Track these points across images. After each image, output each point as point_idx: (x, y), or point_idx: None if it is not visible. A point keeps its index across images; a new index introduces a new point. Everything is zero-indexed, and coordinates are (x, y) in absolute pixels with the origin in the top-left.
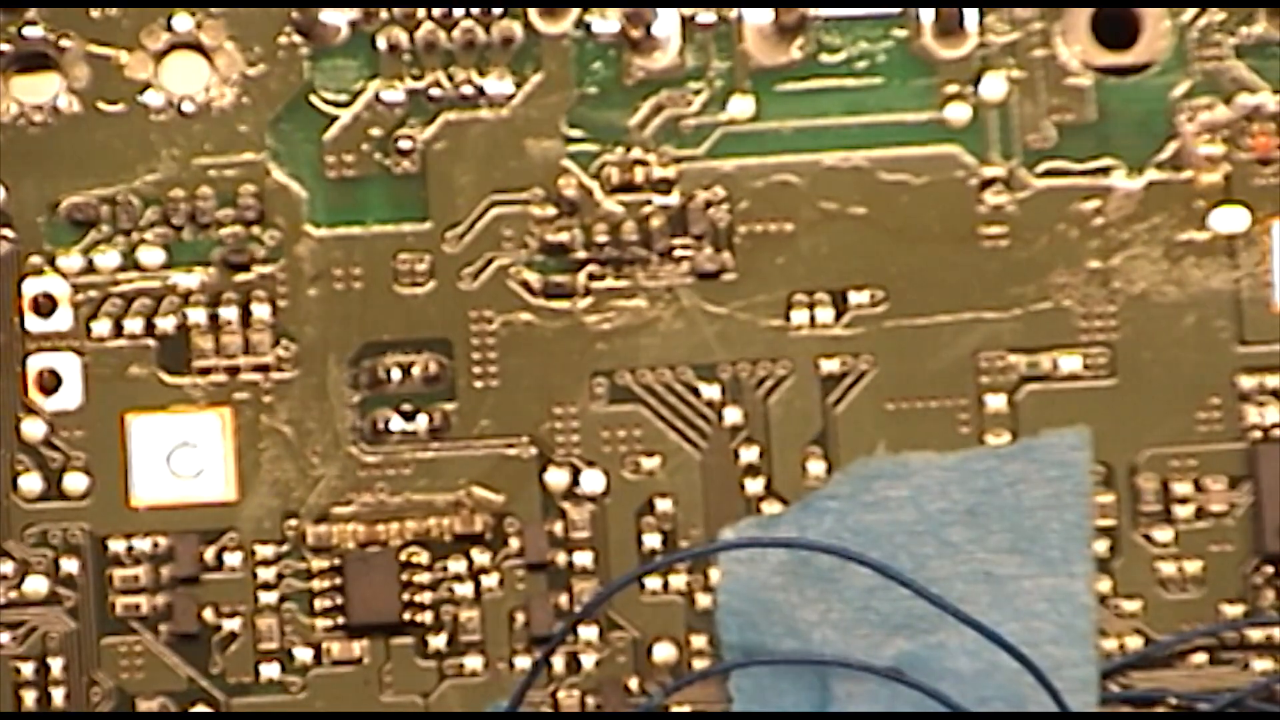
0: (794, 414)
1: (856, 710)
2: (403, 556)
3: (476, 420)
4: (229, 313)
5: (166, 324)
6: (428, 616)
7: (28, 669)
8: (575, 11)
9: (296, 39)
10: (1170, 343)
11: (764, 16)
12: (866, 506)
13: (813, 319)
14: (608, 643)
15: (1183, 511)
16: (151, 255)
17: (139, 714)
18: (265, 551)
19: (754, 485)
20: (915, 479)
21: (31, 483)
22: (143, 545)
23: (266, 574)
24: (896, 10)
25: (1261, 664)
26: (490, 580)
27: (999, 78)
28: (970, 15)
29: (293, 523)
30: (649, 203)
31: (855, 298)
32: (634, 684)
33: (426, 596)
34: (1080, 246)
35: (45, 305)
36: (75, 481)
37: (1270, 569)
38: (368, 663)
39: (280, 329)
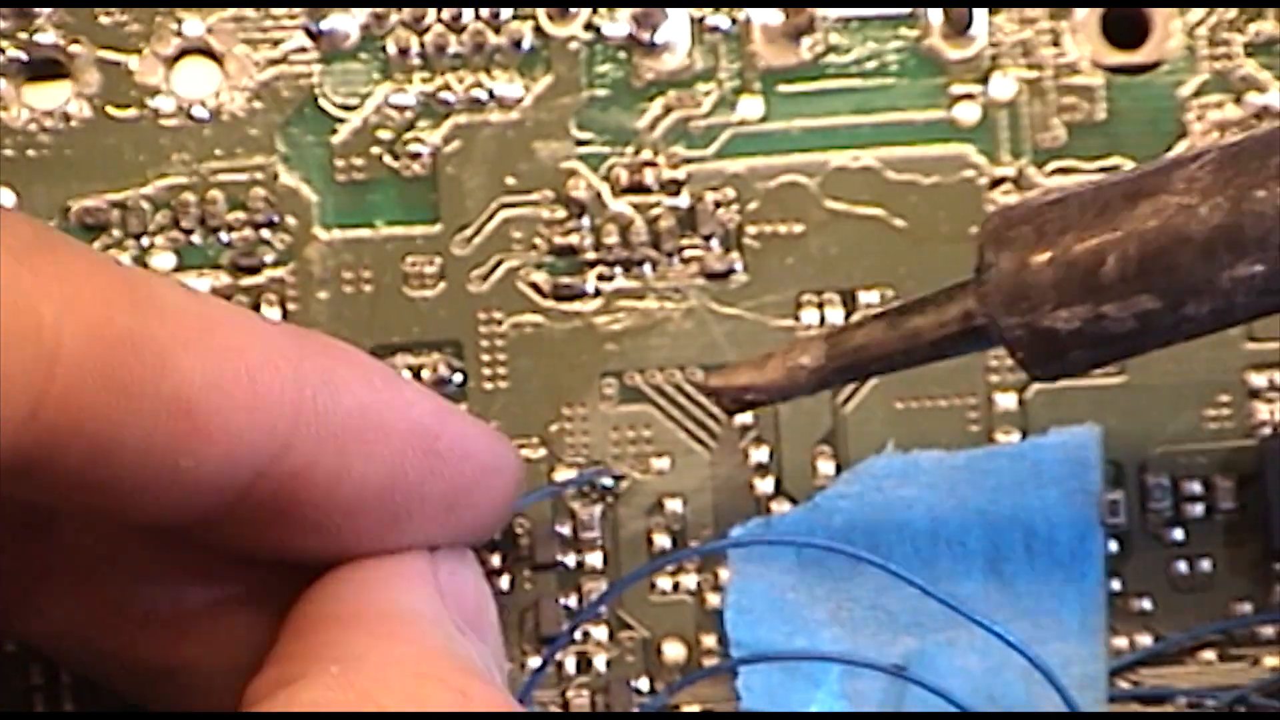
0: (803, 413)
1: (866, 709)
2: None
3: (486, 421)
4: None
5: None
6: None
7: (34, 670)
8: (584, 14)
9: (306, 43)
10: None
11: (773, 17)
12: (876, 506)
13: (822, 319)
14: (617, 642)
15: (1193, 509)
16: (162, 259)
17: (143, 714)
18: None
19: (763, 485)
20: (925, 478)
21: None
22: None
23: None
24: (905, 10)
25: (1272, 660)
26: (500, 581)
27: (1008, 77)
28: (979, 15)
29: None
30: (658, 204)
31: (865, 297)
32: (644, 684)
33: None
34: None
35: None
36: None
37: None
38: None
39: None
